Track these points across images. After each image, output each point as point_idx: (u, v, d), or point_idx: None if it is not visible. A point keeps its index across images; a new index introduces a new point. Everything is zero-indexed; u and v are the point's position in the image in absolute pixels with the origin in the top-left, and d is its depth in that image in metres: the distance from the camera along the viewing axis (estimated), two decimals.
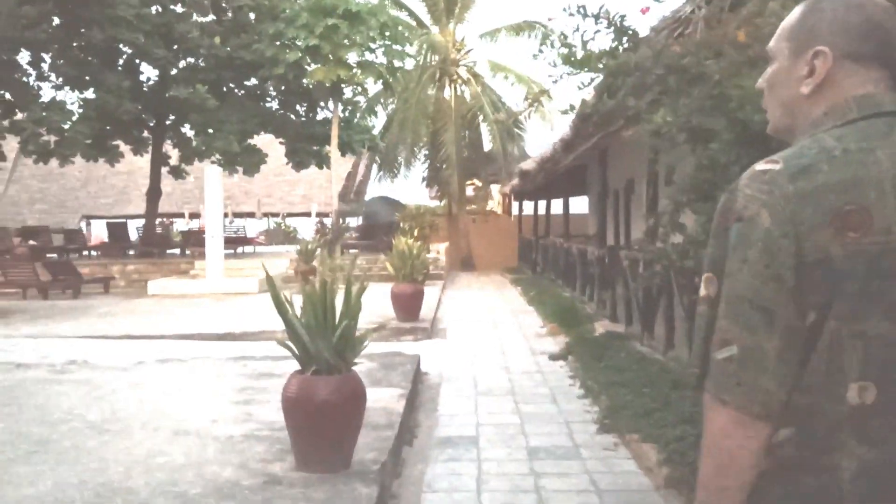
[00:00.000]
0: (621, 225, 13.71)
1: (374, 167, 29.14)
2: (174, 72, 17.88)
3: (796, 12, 1.27)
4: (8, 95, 16.73)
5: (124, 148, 22.43)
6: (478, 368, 8.33)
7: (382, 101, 25.88)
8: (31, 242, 20.10)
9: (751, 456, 1.14)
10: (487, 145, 26.26)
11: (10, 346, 8.93)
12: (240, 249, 22.89)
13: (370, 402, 4.59)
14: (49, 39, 15.73)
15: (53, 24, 15.99)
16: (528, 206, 25.31)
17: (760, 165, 1.17)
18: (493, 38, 25.13)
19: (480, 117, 25.28)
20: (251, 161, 18.90)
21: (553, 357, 8.73)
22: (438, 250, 20.40)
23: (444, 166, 25.20)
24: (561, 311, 11.05)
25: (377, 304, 11.46)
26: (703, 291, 1.22)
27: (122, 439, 4.90)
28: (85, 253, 21.37)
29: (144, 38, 16.55)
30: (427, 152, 26.83)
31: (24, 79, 17.08)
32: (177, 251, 21.93)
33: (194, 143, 18.28)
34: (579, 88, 4.67)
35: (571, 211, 21.09)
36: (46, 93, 17.69)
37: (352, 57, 16.75)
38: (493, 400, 6.86)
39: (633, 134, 7.52)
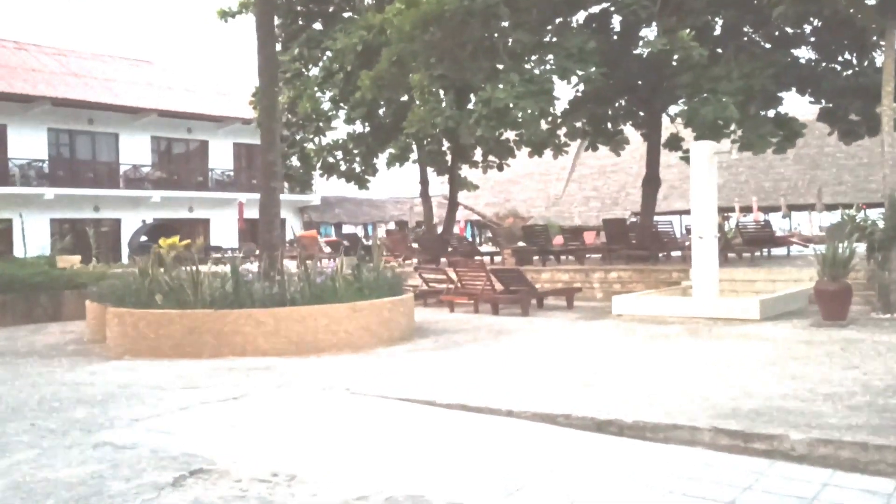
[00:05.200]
0: None
1: None
2: (649, 19, 13.46)
3: None
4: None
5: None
6: None
7: None
8: (520, 244, 18.31)
9: None
10: None
11: (307, 412, 6.26)
12: (766, 252, 17.50)
13: None
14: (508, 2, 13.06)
15: None
16: None
17: None
18: None
19: None
20: (760, 133, 13.43)
21: None
22: None
23: None
24: None
25: None
26: None
27: None
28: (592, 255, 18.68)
29: None
30: None
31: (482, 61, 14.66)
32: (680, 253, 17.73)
33: (677, 113, 13.74)
34: None
35: None
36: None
37: None
38: None
39: None
